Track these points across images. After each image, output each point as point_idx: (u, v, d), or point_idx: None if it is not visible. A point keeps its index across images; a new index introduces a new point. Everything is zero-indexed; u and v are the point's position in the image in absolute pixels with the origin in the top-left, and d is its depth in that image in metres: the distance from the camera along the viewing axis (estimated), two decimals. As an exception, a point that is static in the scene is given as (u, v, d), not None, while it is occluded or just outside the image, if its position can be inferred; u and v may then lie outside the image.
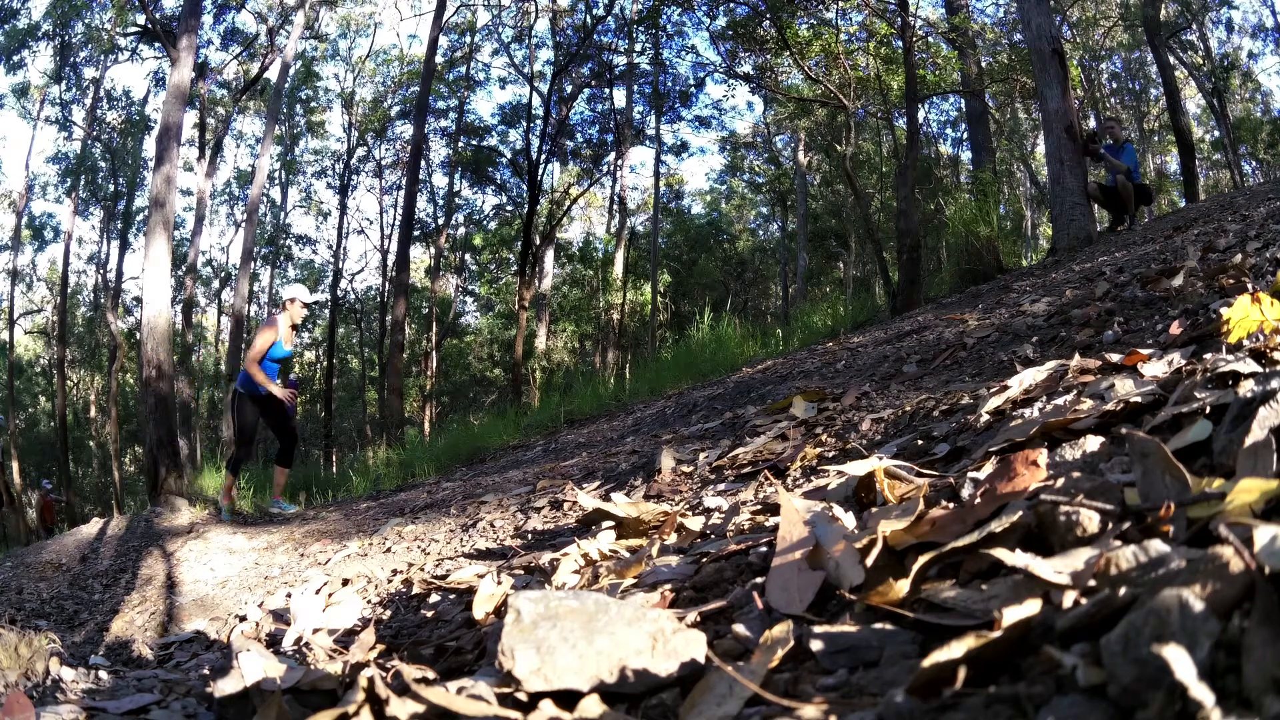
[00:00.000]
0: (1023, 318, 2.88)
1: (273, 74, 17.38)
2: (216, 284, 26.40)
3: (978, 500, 0.80)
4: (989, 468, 1.02)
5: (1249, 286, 1.71)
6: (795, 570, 0.80)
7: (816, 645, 0.64)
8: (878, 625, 0.66)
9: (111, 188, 20.22)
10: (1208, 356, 1.13)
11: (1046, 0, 7.55)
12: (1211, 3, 17.81)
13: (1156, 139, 22.98)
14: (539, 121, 15.35)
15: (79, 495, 20.89)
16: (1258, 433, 0.70)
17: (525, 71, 17.11)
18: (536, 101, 15.63)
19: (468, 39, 20.25)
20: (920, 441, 1.44)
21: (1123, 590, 0.51)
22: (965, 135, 15.84)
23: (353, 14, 22.99)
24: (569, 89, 16.84)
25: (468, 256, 25.29)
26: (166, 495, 6.14)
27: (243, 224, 19.23)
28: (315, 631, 1.54)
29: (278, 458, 5.84)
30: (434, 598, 1.57)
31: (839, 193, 19.36)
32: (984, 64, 11.20)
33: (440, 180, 23.20)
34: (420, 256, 25.14)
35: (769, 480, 1.63)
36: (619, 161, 20.58)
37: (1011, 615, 0.54)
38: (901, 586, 0.69)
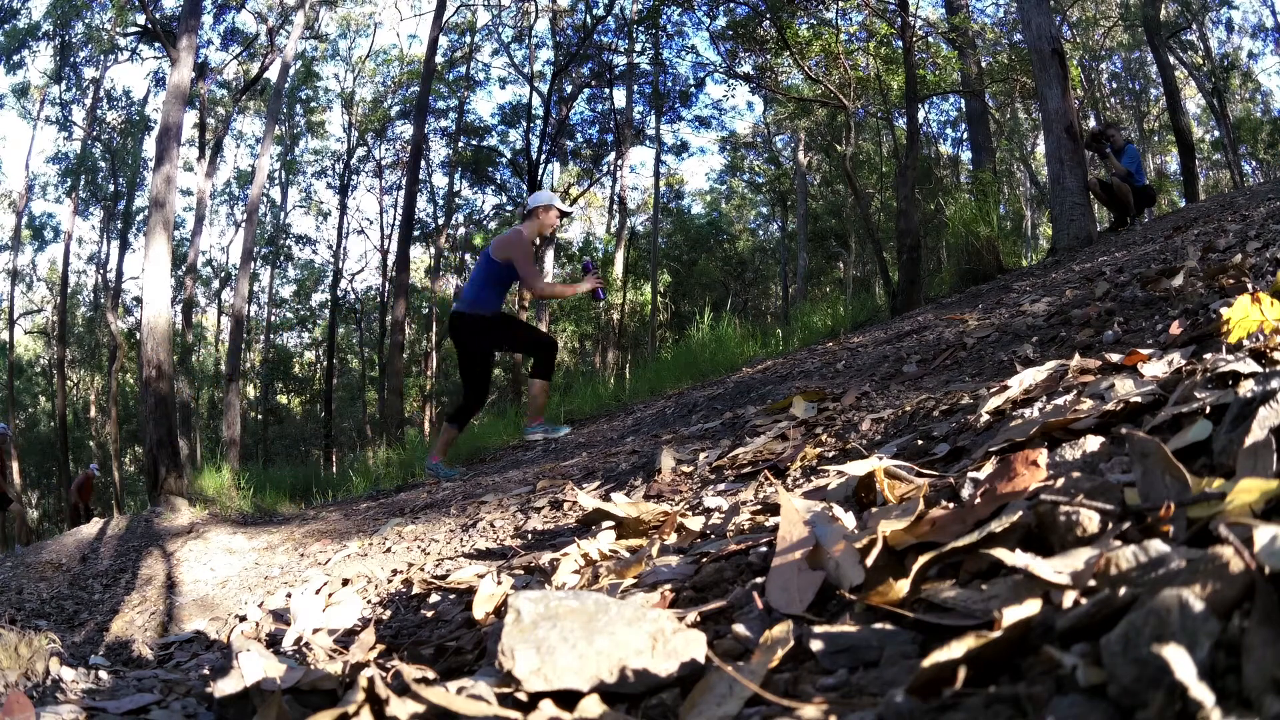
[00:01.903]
0: (1023, 318, 2.88)
1: (273, 74, 17.41)
2: (216, 284, 26.43)
3: (978, 500, 0.80)
4: (989, 468, 1.02)
5: (1249, 286, 1.71)
6: (795, 570, 0.80)
7: (816, 645, 0.64)
8: (878, 625, 0.66)
9: (111, 188, 20.25)
10: (1208, 356, 1.13)
11: (1046, 0, 7.55)
12: (1211, 3, 17.81)
13: (1156, 139, 23.00)
14: (539, 121, 15.37)
15: (79, 495, 20.85)
16: (1258, 433, 0.70)
17: (525, 71, 17.14)
18: (536, 101, 15.66)
19: (468, 39, 20.28)
20: (920, 441, 1.44)
21: (1123, 590, 0.51)
22: (965, 135, 15.85)
23: (353, 14, 23.02)
24: (569, 89, 16.87)
25: (468, 256, 25.31)
26: (166, 495, 6.13)
27: (243, 224, 19.24)
28: (315, 631, 1.54)
29: (534, 370, 5.01)
30: (434, 598, 1.57)
31: (839, 193, 19.38)
32: (984, 64, 11.21)
33: (440, 180, 23.26)
34: (420, 256, 25.19)
35: (769, 480, 1.63)
36: (619, 161, 20.59)
37: (1011, 615, 0.54)
38: (901, 586, 0.69)
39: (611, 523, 1.53)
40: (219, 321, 26.82)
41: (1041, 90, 7.23)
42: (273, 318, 27.06)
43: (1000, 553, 0.63)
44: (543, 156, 15.36)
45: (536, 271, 4.53)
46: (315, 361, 28.43)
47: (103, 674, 1.41)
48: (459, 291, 4.74)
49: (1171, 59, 14.06)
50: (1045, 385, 1.40)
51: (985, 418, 1.37)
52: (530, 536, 2.00)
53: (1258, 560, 0.45)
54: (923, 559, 0.72)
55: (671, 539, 1.33)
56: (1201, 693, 0.40)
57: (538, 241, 4.77)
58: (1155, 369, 1.22)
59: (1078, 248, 6.34)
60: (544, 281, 4.45)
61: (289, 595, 2.12)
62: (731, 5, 9.87)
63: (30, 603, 3.46)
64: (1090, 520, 0.66)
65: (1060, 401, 1.17)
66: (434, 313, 23.35)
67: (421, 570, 1.98)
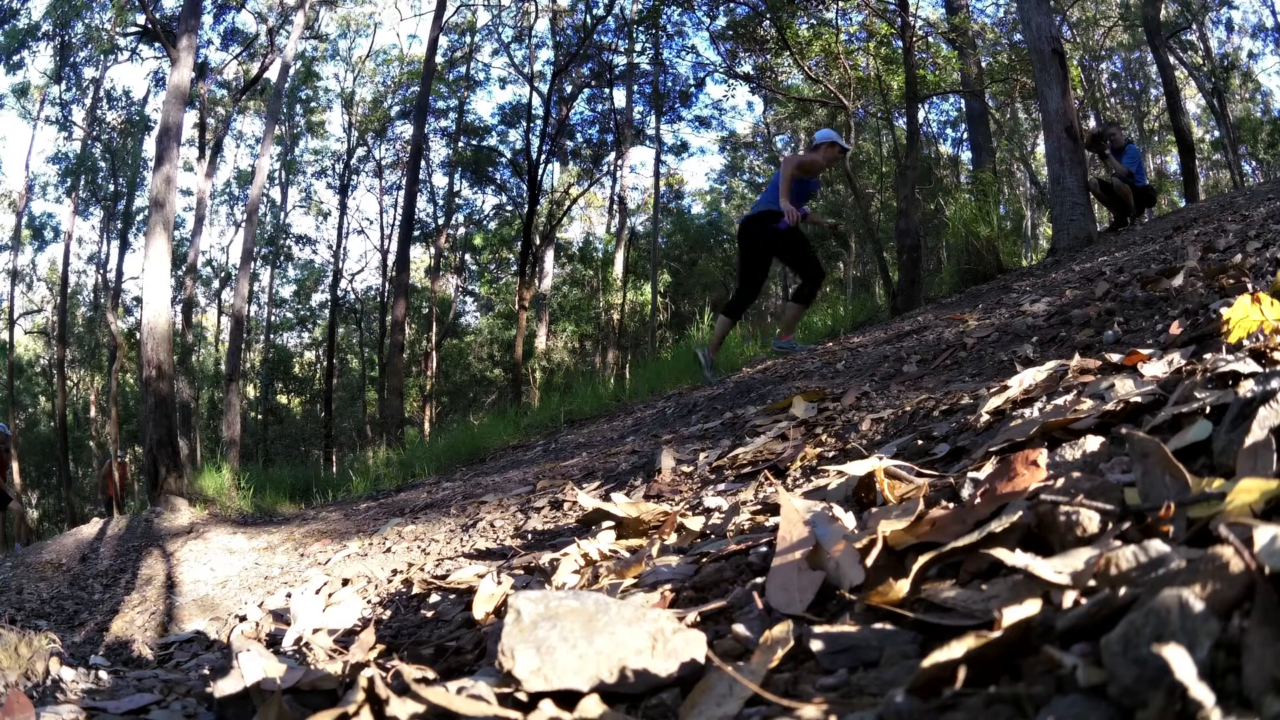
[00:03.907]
0: (1023, 318, 2.88)
1: (273, 74, 17.40)
2: (216, 284, 26.40)
3: (978, 500, 0.80)
4: (989, 468, 1.02)
5: (1249, 286, 1.71)
6: (795, 570, 0.80)
7: (816, 645, 0.64)
8: (878, 625, 0.66)
9: (111, 188, 20.23)
10: (1208, 356, 1.13)
11: (1046, 0, 7.55)
12: (1211, 3, 17.82)
13: (1156, 139, 22.99)
14: (539, 121, 15.35)
15: (79, 495, 20.90)
16: (1258, 433, 0.70)
17: (525, 71, 17.13)
18: (536, 101, 15.65)
19: (468, 39, 20.27)
20: (920, 441, 1.44)
21: (1123, 590, 0.51)
22: (965, 135, 15.85)
23: (353, 14, 23.00)
24: (569, 89, 16.84)
25: (468, 256, 25.29)
26: (166, 495, 6.13)
27: (243, 224, 19.24)
28: (315, 631, 1.54)
29: (795, 294, 5.57)
30: (434, 598, 1.57)
31: (839, 193, 19.37)
32: (984, 64, 11.20)
33: (440, 180, 23.22)
34: (420, 256, 25.16)
35: (769, 480, 1.63)
36: (619, 161, 20.59)
37: (1011, 615, 0.54)
38: (901, 586, 0.69)
39: (611, 523, 1.53)
40: (219, 321, 26.80)
41: (1041, 90, 7.22)
42: (273, 318, 27.03)
43: (1000, 553, 0.63)
44: (543, 156, 15.35)
45: (796, 168, 5.24)
46: (315, 361, 28.40)
47: (103, 674, 1.41)
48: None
49: (1171, 59, 14.04)
50: (1045, 385, 1.40)
51: (985, 418, 1.37)
52: (530, 536, 2.00)
53: (1258, 560, 0.45)
54: (923, 559, 0.72)
55: (671, 539, 1.33)
56: (1201, 693, 0.40)
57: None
58: (1155, 369, 1.22)
59: (1078, 248, 6.34)
60: (792, 175, 5.25)
61: (289, 595, 2.12)
62: (731, 5, 9.87)
63: (30, 603, 3.46)
64: (1090, 520, 0.66)
65: (1060, 401, 1.17)
66: (434, 313, 23.34)
67: (421, 570, 1.98)
